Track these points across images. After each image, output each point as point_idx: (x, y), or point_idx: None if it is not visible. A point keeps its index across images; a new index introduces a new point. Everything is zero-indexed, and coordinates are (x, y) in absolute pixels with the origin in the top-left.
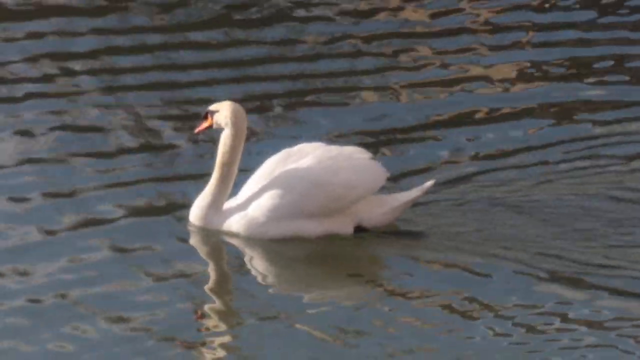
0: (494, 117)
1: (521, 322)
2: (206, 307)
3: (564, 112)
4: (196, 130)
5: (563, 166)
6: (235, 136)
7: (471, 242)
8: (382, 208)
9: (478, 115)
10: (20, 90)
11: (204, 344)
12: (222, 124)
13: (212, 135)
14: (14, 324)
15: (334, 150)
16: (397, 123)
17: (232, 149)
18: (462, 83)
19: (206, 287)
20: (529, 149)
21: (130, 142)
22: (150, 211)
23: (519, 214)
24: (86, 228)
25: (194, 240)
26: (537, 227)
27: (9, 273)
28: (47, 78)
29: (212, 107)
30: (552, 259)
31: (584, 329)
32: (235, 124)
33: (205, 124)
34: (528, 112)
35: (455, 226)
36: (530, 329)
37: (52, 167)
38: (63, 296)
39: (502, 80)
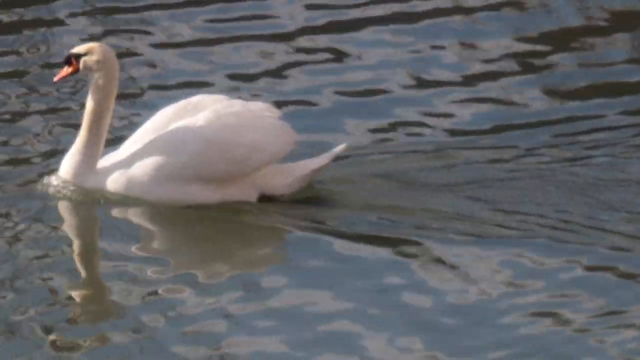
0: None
1: (431, 287)
2: (72, 282)
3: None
4: (56, 78)
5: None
6: (107, 82)
7: (382, 210)
8: (286, 178)
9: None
10: None
11: (67, 328)
12: (94, 69)
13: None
14: None
15: (237, 105)
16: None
17: (105, 96)
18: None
19: (73, 260)
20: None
21: None
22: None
23: (436, 181)
24: None
25: (63, 202)
26: (450, 196)
27: None
28: None
29: (77, 50)
30: (468, 225)
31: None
32: (107, 68)
33: (68, 70)
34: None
35: (367, 193)
36: (438, 293)
37: None
38: None
39: None
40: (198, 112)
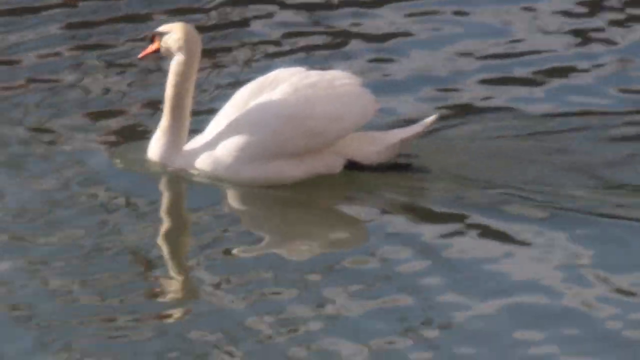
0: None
1: (529, 260)
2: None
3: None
4: (140, 55)
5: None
6: (188, 62)
7: (479, 182)
8: (375, 146)
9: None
10: None
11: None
12: (174, 49)
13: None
14: None
15: (314, 76)
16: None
17: (185, 77)
18: None
19: (162, 238)
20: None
21: None
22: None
23: (537, 153)
24: (51, 160)
25: (152, 180)
26: (552, 168)
27: None
28: None
29: (161, 29)
30: (566, 201)
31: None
32: (188, 48)
33: (152, 47)
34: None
35: (462, 163)
36: (537, 267)
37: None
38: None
39: None
40: (276, 86)
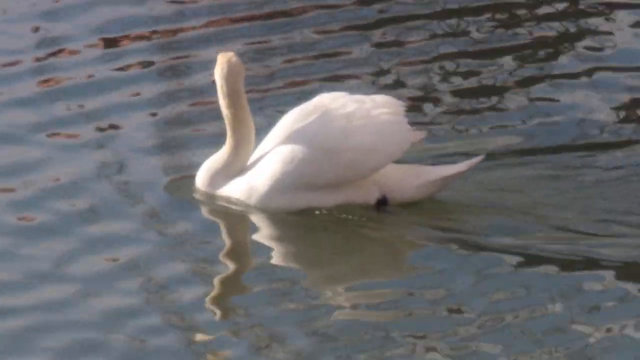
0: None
1: (560, 311)
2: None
3: None
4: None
5: None
6: (228, 91)
7: (514, 228)
8: (417, 180)
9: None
10: None
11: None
12: (216, 77)
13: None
14: None
15: (351, 104)
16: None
17: (229, 103)
18: None
19: (200, 266)
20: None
21: None
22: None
23: (582, 199)
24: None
25: (193, 206)
26: (593, 216)
27: None
28: None
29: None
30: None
31: None
32: (224, 78)
33: None
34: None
35: (499, 207)
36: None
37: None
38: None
39: None
40: (316, 113)
